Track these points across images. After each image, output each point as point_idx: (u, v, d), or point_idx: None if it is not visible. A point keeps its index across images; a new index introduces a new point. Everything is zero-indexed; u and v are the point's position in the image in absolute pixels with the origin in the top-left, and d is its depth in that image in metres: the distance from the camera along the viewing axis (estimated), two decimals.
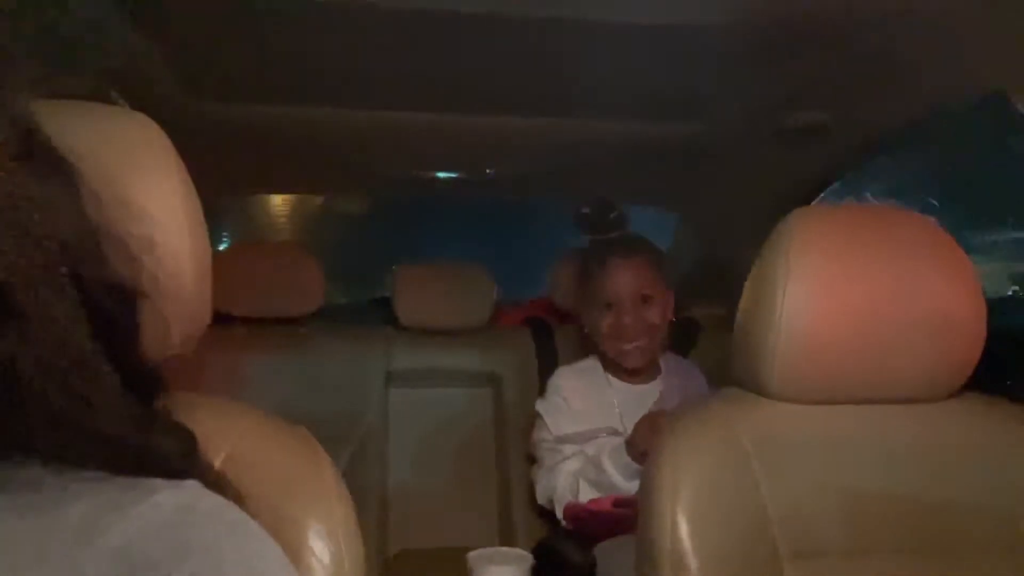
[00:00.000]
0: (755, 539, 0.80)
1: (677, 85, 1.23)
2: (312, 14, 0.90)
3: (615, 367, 1.52)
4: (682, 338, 1.90)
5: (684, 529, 0.78)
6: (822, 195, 1.52)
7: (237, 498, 0.44)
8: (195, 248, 0.62)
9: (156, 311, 0.60)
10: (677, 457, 0.82)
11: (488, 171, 1.71)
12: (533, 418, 1.58)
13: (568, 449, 1.48)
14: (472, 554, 1.31)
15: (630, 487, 1.31)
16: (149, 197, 0.59)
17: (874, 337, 0.83)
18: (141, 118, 0.63)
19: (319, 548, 0.62)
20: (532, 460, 1.60)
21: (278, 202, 2.73)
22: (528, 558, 1.32)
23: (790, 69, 1.12)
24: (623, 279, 1.43)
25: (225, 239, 2.54)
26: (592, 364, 1.57)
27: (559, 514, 1.45)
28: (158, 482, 0.41)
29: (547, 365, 1.76)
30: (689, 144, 1.48)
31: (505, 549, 1.42)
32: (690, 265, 2.02)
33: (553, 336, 1.86)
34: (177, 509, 0.39)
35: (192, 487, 0.41)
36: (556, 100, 1.29)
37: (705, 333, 1.93)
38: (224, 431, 0.65)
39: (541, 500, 1.52)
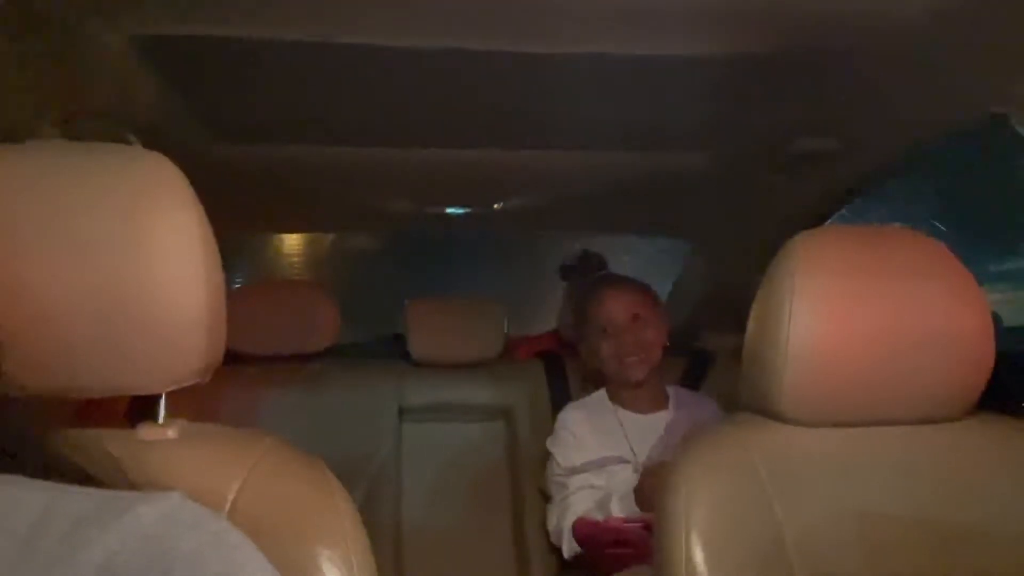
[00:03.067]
0: (771, 563, 0.79)
1: (682, 116, 1.24)
2: (324, 59, 0.93)
3: (622, 398, 1.55)
4: (694, 369, 1.89)
5: (699, 552, 0.78)
6: (830, 220, 1.52)
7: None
8: (210, 281, 0.64)
9: (164, 343, 0.62)
10: (690, 480, 0.82)
11: (496, 205, 1.73)
12: (546, 452, 1.59)
13: (576, 481, 1.48)
14: None
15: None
16: (166, 233, 0.61)
17: (883, 358, 0.83)
18: (157, 157, 0.65)
19: (333, 573, 0.62)
20: (547, 497, 1.61)
21: (291, 240, 2.76)
22: None
23: (795, 97, 1.14)
24: (616, 303, 1.54)
25: (238, 280, 2.57)
26: (599, 397, 1.60)
27: (566, 553, 1.45)
28: (140, 495, 0.41)
29: (559, 398, 1.77)
30: (697, 173, 1.49)
31: None
32: (701, 294, 2.02)
33: (565, 369, 1.86)
34: (159, 520, 0.39)
35: (174, 498, 0.42)
36: (562, 133, 1.32)
37: (718, 364, 1.92)
38: (241, 459, 0.66)
39: (553, 539, 1.52)
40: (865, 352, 0.82)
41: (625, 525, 1.32)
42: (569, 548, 1.44)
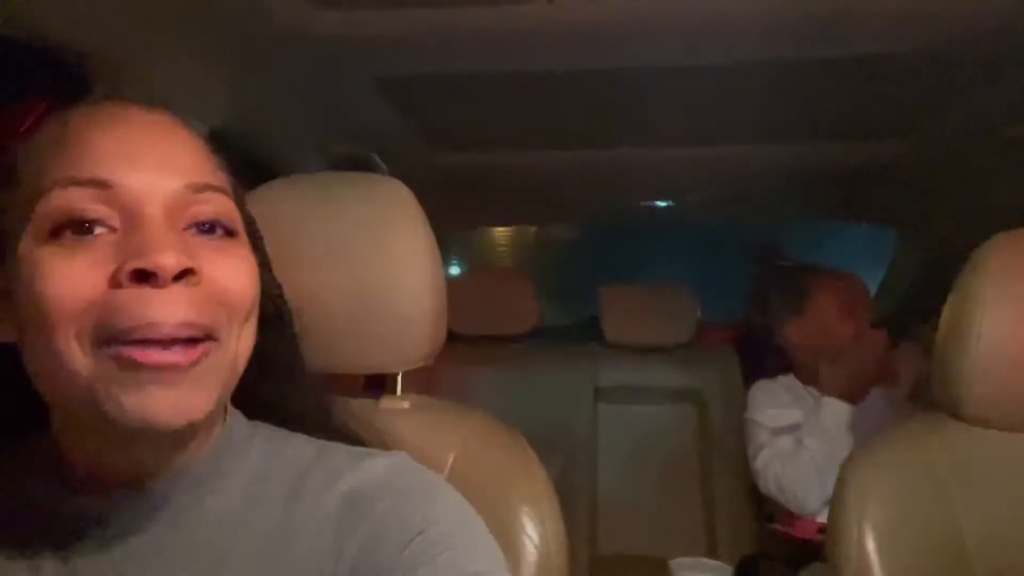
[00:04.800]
0: (949, 561, 0.80)
1: (890, 105, 1.22)
2: (531, 82, 1.06)
3: (812, 382, 1.57)
4: None
5: (871, 546, 0.81)
6: None
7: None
8: (434, 283, 0.79)
9: (402, 332, 0.77)
10: (864, 476, 0.85)
11: (689, 198, 1.78)
12: (737, 435, 1.63)
13: (785, 440, 1.51)
14: (674, 561, 1.38)
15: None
16: (402, 245, 0.77)
17: None
18: (394, 183, 0.81)
19: (531, 529, 0.75)
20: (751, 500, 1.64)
21: (500, 232, 2.98)
22: (728, 571, 1.37)
23: (1012, 79, 1.08)
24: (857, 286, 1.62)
25: (455, 264, 2.83)
26: (790, 378, 1.63)
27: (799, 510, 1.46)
28: (378, 451, 0.57)
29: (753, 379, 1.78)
30: (908, 161, 1.44)
31: (705, 560, 1.47)
32: (911, 284, 1.92)
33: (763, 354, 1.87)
34: (388, 468, 0.54)
35: (401, 456, 0.57)
36: (762, 127, 1.34)
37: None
38: (458, 429, 0.81)
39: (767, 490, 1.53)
40: None
41: (820, 537, 1.33)
42: None
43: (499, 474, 0.78)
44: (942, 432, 0.87)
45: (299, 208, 0.78)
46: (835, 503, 0.87)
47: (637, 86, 1.10)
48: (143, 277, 0.44)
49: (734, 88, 1.13)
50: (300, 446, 0.57)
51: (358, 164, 1.22)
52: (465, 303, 1.87)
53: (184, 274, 0.45)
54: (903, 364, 1.58)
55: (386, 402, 0.84)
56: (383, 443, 0.61)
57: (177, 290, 0.45)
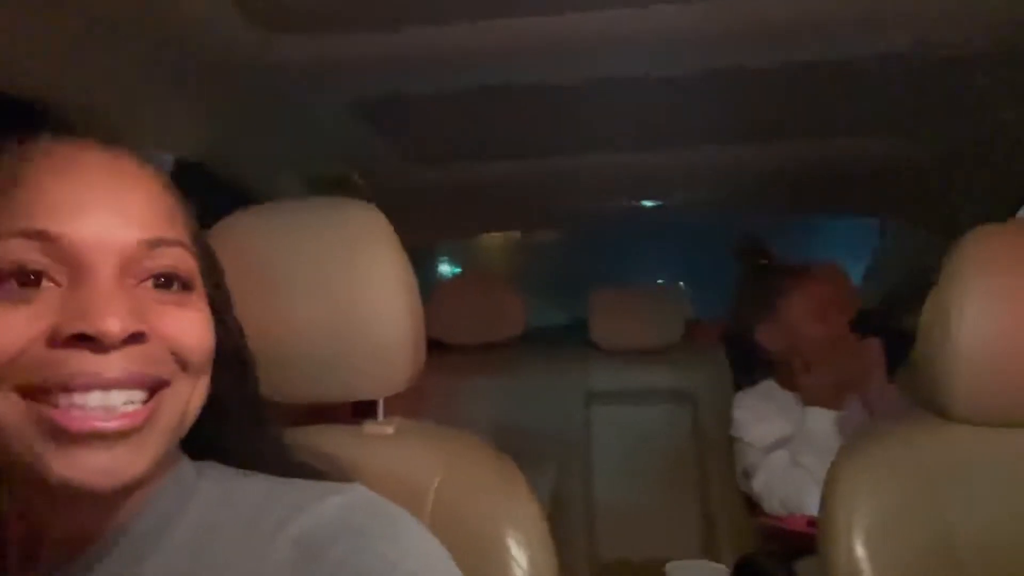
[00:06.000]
0: (939, 557, 0.80)
1: (882, 104, 1.22)
2: (505, 96, 1.06)
3: (791, 386, 1.56)
4: (891, 352, 1.81)
5: (861, 543, 0.81)
6: None
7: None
8: (410, 307, 0.78)
9: (381, 358, 0.76)
10: (855, 475, 0.85)
11: (678, 197, 1.78)
12: (731, 433, 1.63)
13: (778, 456, 1.50)
14: (671, 564, 1.38)
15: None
16: (377, 271, 0.76)
17: None
18: (367, 207, 0.80)
19: (519, 556, 0.74)
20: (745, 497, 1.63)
21: (487, 237, 2.99)
22: (725, 572, 1.37)
23: (996, 75, 1.08)
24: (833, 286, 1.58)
25: (444, 268, 2.82)
26: (769, 385, 1.61)
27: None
28: (335, 486, 0.52)
29: (742, 378, 1.79)
30: (905, 156, 1.45)
31: (703, 562, 1.47)
32: (903, 275, 1.92)
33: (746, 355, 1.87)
34: (341, 507, 0.50)
35: (357, 490, 0.52)
36: (752, 127, 1.34)
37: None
38: (443, 453, 0.80)
39: (773, 510, 1.51)
40: None
41: (810, 530, 1.33)
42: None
43: (486, 499, 0.77)
44: (929, 429, 0.86)
45: (270, 237, 0.77)
46: (825, 501, 0.87)
47: (614, 95, 1.10)
48: (85, 339, 0.42)
49: (715, 91, 1.13)
50: (250, 488, 0.53)
51: (337, 185, 1.21)
52: (451, 312, 1.86)
53: (132, 338, 0.44)
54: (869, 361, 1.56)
55: (370, 428, 0.83)
56: (348, 474, 0.57)
57: (124, 351, 0.43)
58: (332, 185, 1.22)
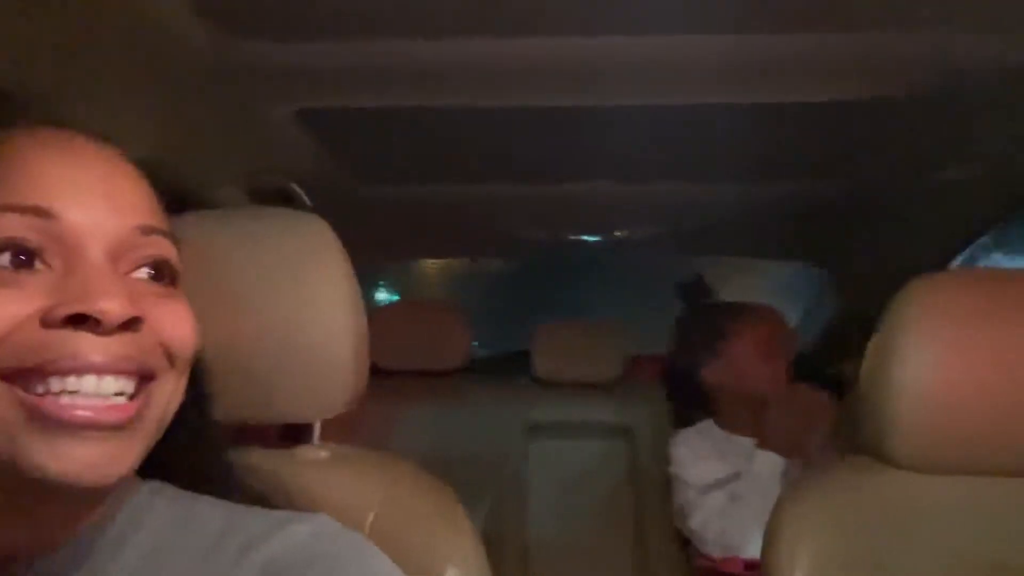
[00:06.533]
0: None
1: (825, 148, 1.25)
2: (455, 118, 1.04)
3: (734, 426, 1.56)
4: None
5: None
6: (969, 249, 1.46)
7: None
8: (355, 326, 0.74)
9: (321, 378, 0.73)
10: (797, 522, 0.84)
11: (620, 233, 1.79)
12: (668, 470, 1.62)
13: (715, 496, 1.49)
14: None
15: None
16: (322, 287, 0.73)
17: (1005, 406, 0.81)
18: (314, 220, 0.76)
19: None
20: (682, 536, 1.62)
21: (431, 263, 2.95)
22: None
23: (941, 127, 1.12)
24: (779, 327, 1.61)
25: (383, 296, 2.77)
26: (708, 425, 1.61)
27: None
28: (297, 515, 0.51)
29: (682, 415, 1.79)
30: (836, 201, 1.48)
31: None
32: (837, 320, 1.97)
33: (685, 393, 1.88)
34: (310, 534, 0.49)
35: (323, 519, 0.51)
36: (695, 166, 1.35)
37: (852, 390, 1.87)
38: (377, 482, 0.76)
39: (708, 550, 1.50)
40: (984, 400, 0.81)
41: (747, 573, 1.33)
42: None
43: (424, 530, 0.74)
44: (871, 476, 0.87)
45: (209, 246, 0.73)
46: (767, 548, 0.86)
47: (564, 123, 1.09)
48: (81, 321, 0.40)
49: (668, 128, 1.14)
50: (207, 511, 0.51)
51: (280, 197, 1.17)
52: (392, 336, 1.82)
53: (129, 323, 0.42)
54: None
55: (302, 453, 0.79)
56: (294, 502, 0.55)
57: (118, 336, 0.42)
58: (274, 197, 1.18)
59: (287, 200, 1.18)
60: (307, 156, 1.15)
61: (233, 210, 0.83)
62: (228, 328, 0.70)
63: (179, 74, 0.84)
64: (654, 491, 1.76)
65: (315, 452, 0.79)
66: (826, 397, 1.54)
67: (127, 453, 0.43)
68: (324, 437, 0.81)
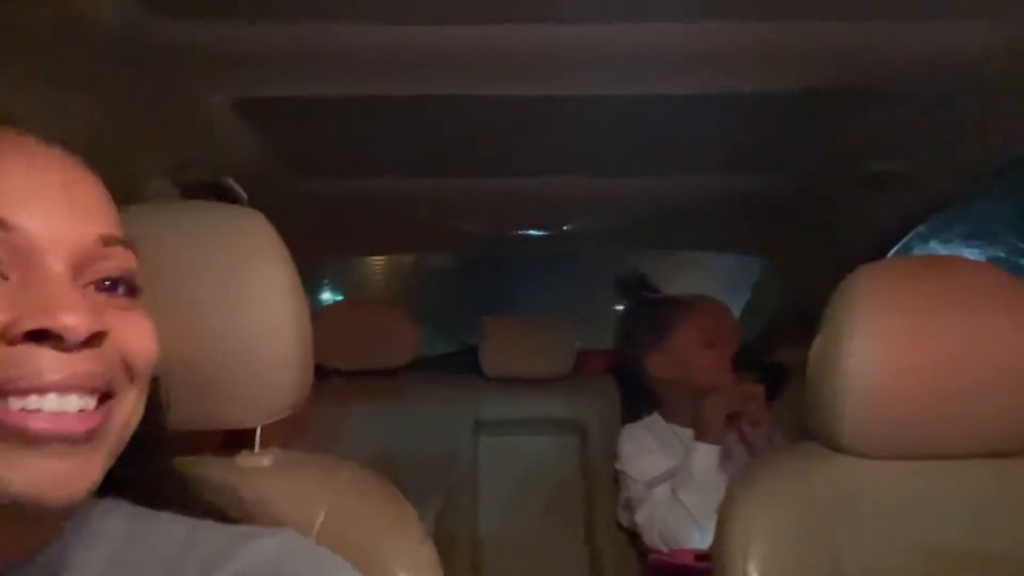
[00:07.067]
0: None
1: (759, 141, 1.26)
2: (398, 107, 1.01)
3: (678, 418, 1.59)
4: (770, 384, 1.88)
5: None
6: (906, 239, 1.50)
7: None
8: (298, 326, 0.71)
9: (262, 382, 0.69)
10: (749, 510, 0.85)
11: (566, 227, 1.78)
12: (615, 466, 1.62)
13: (661, 490, 1.50)
14: None
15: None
16: (262, 285, 0.69)
17: (950, 391, 0.83)
18: (253, 215, 0.73)
19: None
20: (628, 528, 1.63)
21: (374, 259, 2.90)
22: None
23: (871, 119, 1.14)
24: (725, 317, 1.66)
25: (326, 296, 2.70)
26: (654, 418, 1.63)
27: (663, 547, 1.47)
28: (262, 530, 0.50)
29: (631, 409, 1.80)
30: (773, 193, 1.50)
31: None
32: (777, 309, 2.01)
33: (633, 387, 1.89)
34: (276, 549, 0.48)
35: (290, 534, 0.50)
36: (638, 159, 1.35)
37: (794, 378, 1.91)
38: (327, 486, 0.73)
39: (653, 544, 1.51)
40: (932, 385, 0.83)
41: (698, 564, 1.34)
42: None
43: (372, 533, 0.71)
44: (821, 463, 0.88)
45: (140, 244, 0.68)
46: (718, 538, 0.87)
47: (511, 115, 1.07)
48: (43, 337, 0.39)
49: (611, 121, 1.13)
50: (166, 527, 0.50)
51: (213, 191, 1.12)
52: (336, 335, 1.77)
53: (92, 339, 0.40)
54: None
55: (243, 459, 0.75)
56: (251, 514, 0.54)
57: (81, 352, 0.40)
58: (207, 192, 1.12)
59: (221, 194, 1.13)
60: (243, 148, 1.10)
61: (167, 203, 0.78)
62: (164, 331, 0.66)
63: (100, 57, 0.78)
64: (605, 486, 1.76)
65: (256, 459, 0.75)
66: (761, 389, 1.56)
67: (91, 467, 0.42)
68: (268, 441, 0.78)
